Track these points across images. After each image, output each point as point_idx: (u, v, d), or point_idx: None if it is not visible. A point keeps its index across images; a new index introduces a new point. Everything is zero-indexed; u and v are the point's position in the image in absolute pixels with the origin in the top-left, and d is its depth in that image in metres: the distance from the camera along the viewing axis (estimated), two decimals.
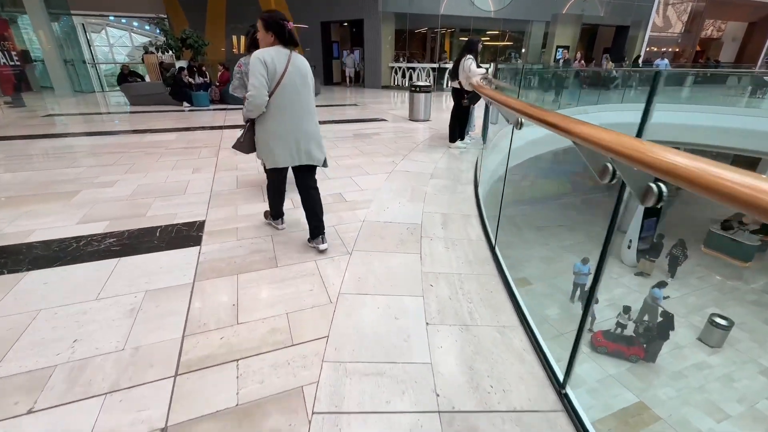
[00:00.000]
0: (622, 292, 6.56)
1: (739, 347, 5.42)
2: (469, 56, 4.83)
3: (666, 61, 13.20)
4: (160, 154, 4.82)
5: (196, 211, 3.08)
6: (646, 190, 0.93)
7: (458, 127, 5.32)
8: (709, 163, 0.64)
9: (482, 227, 2.89)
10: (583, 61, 14.03)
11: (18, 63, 10.70)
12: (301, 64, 2.22)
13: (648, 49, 18.19)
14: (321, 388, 1.45)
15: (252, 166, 4.23)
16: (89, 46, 14.20)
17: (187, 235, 2.66)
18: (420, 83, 7.51)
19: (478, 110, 5.82)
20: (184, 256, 2.38)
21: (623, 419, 4.14)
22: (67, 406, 1.36)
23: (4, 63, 10.31)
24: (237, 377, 1.49)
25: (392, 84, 15.20)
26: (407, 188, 3.66)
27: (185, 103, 9.33)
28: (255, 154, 2.41)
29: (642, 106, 1.09)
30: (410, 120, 7.52)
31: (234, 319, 1.81)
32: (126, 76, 10.06)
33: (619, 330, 5.44)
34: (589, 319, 5.51)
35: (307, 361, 1.57)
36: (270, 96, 2.12)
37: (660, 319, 5.38)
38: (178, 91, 9.29)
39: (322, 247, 2.43)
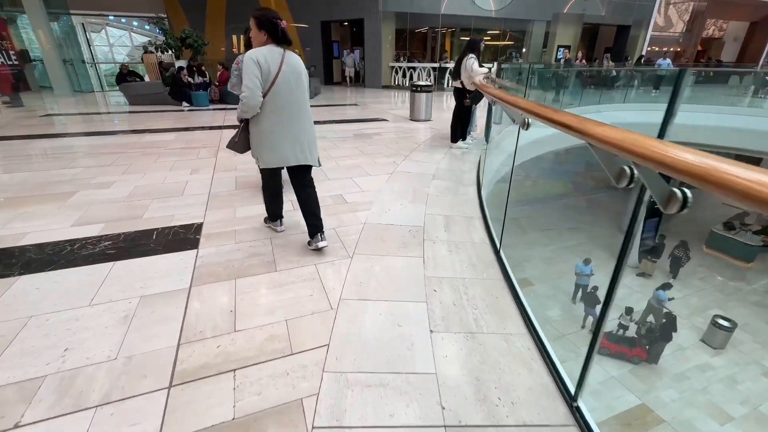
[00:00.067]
0: (623, 292, 6.51)
1: (742, 349, 5.38)
2: (471, 55, 4.76)
3: (668, 60, 13.14)
4: (159, 155, 4.76)
5: (193, 213, 3.01)
6: (670, 195, 0.87)
7: (460, 127, 5.26)
8: (757, 171, 0.58)
9: (486, 230, 2.83)
10: (584, 61, 13.96)
11: (16, 63, 10.64)
12: (295, 62, 2.19)
13: (649, 48, 18.13)
14: (321, 400, 1.39)
15: (251, 167, 4.16)
16: (89, 45, 14.16)
17: (184, 237, 2.60)
18: (421, 83, 7.45)
19: (480, 110, 5.76)
20: (181, 259, 2.32)
21: (626, 422, 4.09)
22: (55, 420, 1.30)
23: (1, 63, 10.24)
24: (234, 389, 1.43)
25: (393, 84, 15.14)
26: (409, 189, 3.60)
27: (184, 103, 9.27)
28: (251, 153, 2.38)
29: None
30: (411, 120, 7.46)
31: (231, 327, 1.75)
32: (125, 76, 9.99)
33: (621, 331, 5.39)
34: (591, 320, 5.50)
35: (307, 372, 1.51)
36: (264, 96, 2.10)
37: (663, 320, 5.34)
38: (178, 90, 9.22)
39: (321, 244, 2.37)
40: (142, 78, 10.71)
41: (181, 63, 10.40)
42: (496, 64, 5.19)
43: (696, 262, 7.15)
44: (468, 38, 5.21)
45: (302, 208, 2.43)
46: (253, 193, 3.43)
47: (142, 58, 11.60)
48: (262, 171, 2.44)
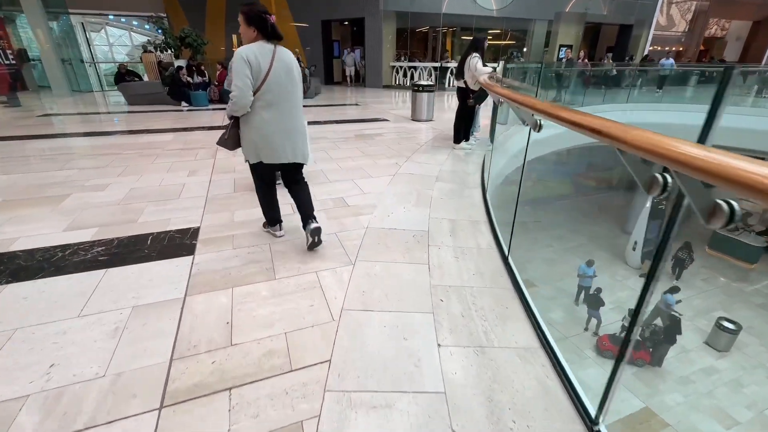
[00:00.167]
0: (627, 294, 6.42)
1: (746, 351, 5.30)
2: (475, 54, 4.66)
3: (671, 60, 13.02)
4: (156, 156, 4.67)
5: (190, 216, 2.92)
6: (715, 208, 0.77)
7: (463, 128, 5.16)
8: None
9: (493, 234, 2.74)
10: (586, 60, 13.85)
11: (14, 62, 10.54)
12: (286, 58, 2.14)
13: (651, 48, 18.02)
14: (323, 422, 1.30)
15: None
16: (89, 45, 14.05)
17: (180, 243, 2.51)
18: (423, 82, 7.35)
19: (483, 110, 5.66)
20: (176, 267, 2.22)
21: (631, 426, 4.01)
22: None
23: None
24: (229, 410, 1.33)
25: (393, 83, 15.03)
26: (412, 192, 3.50)
27: (183, 103, 9.17)
28: (241, 150, 2.33)
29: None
30: (413, 120, 7.36)
31: (227, 340, 1.66)
32: (123, 76, 9.88)
33: (624, 333, 5.30)
34: (595, 322, 5.41)
35: (308, 390, 1.42)
36: (255, 93, 2.07)
37: (667, 322, 5.25)
38: (177, 90, 9.13)
39: (314, 225, 2.33)
40: (140, 78, 10.60)
41: (180, 62, 10.30)
42: (502, 62, 5.08)
43: (699, 263, 7.05)
44: (470, 37, 5.11)
45: (295, 199, 2.45)
46: (252, 196, 3.32)
47: (141, 58, 11.49)
48: (252, 170, 2.39)
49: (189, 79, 9.43)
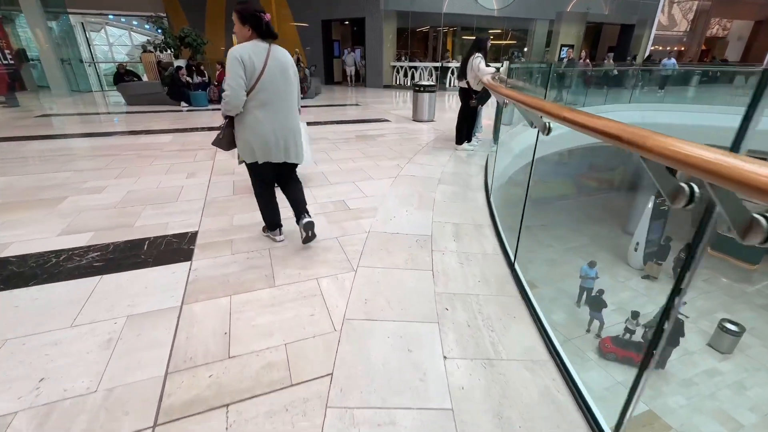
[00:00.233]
0: (629, 295, 6.37)
1: (750, 353, 5.23)
2: (477, 54, 4.60)
3: (674, 60, 12.95)
4: (154, 157, 4.60)
5: (188, 220, 2.86)
6: (752, 223, 0.71)
7: (465, 129, 5.10)
8: None
9: (498, 239, 2.67)
10: (588, 60, 13.77)
11: (12, 62, 10.48)
12: (281, 57, 2.11)
13: (653, 48, 17.94)
14: None
15: None
16: (88, 45, 13.99)
17: (177, 248, 2.44)
18: (424, 82, 7.29)
19: (485, 111, 5.59)
20: (173, 273, 2.16)
21: (634, 429, 3.96)
22: None
23: None
24: (226, 428, 1.27)
25: (394, 83, 14.96)
26: (414, 195, 3.44)
27: (183, 103, 9.10)
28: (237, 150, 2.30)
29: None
30: (414, 120, 7.29)
31: (225, 352, 1.59)
32: (122, 76, 9.81)
33: (627, 335, 5.24)
34: (597, 324, 5.35)
35: (308, 407, 1.36)
36: (249, 92, 2.03)
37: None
38: (176, 90, 9.06)
39: (306, 219, 2.33)
40: (139, 78, 10.53)
41: (180, 62, 10.23)
42: (506, 62, 5.01)
43: (700, 264, 6.99)
44: (471, 37, 5.04)
45: (289, 198, 2.44)
46: (252, 199, 3.25)
47: (140, 58, 11.43)
48: (249, 170, 2.35)
49: (188, 79, 9.36)
